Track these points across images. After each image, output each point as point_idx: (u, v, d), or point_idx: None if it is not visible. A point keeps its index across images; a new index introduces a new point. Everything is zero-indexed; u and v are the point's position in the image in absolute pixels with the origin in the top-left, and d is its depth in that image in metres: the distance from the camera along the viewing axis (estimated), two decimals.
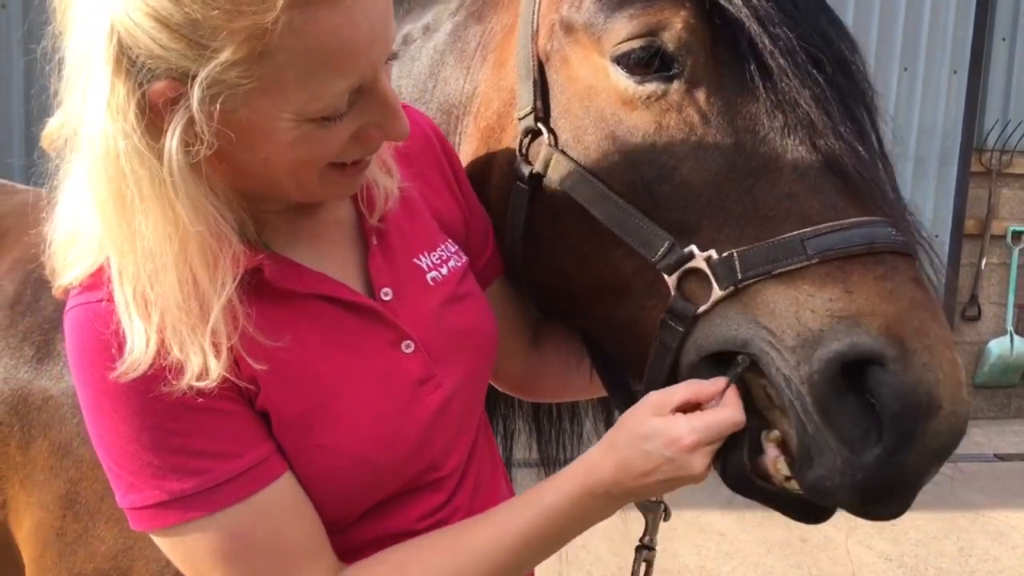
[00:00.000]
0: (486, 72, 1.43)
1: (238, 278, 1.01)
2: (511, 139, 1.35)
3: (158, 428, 1.00)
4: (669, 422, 1.08)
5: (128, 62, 0.91)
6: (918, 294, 1.08)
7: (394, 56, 1.04)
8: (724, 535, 4.63)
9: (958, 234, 6.70)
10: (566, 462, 1.80)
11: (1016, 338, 6.87)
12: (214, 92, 0.91)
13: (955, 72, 6.59)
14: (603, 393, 1.51)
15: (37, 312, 1.46)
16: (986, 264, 6.90)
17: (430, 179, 1.33)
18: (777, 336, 1.08)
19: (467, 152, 1.45)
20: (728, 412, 1.09)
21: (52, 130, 1.02)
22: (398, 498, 1.17)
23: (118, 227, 0.97)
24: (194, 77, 0.90)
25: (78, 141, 0.98)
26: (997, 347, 6.86)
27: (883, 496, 1.06)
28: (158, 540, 1.06)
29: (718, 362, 1.15)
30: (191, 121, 0.92)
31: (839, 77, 1.18)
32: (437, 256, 1.27)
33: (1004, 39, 6.70)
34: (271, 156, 1.00)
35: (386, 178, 1.21)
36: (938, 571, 4.43)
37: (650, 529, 1.33)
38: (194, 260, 0.97)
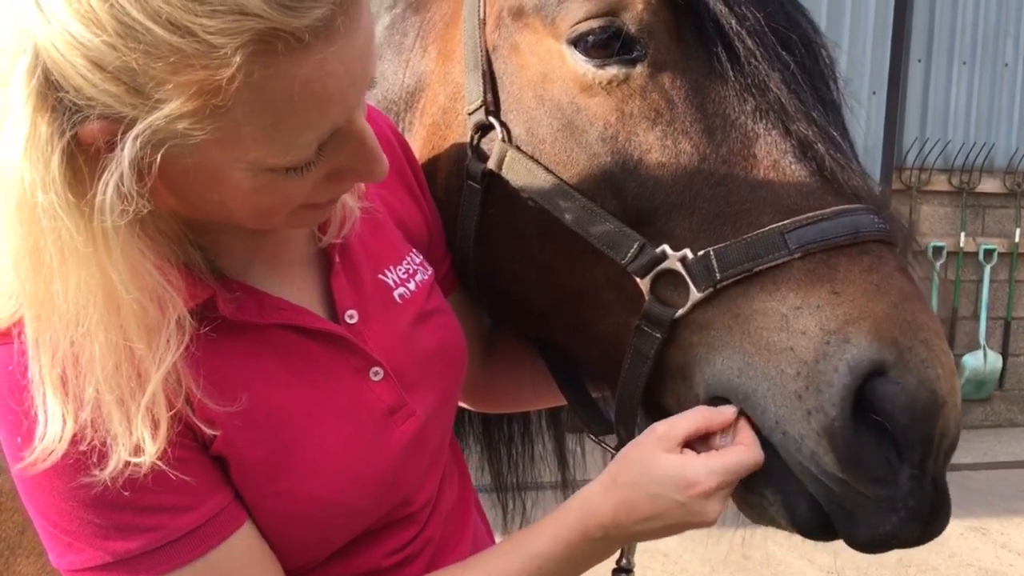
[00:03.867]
0: (429, 64, 1.35)
1: (183, 345, 0.88)
2: (458, 135, 1.28)
3: (100, 483, 0.87)
4: (683, 463, 0.99)
5: (55, 99, 0.77)
6: (906, 285, 1.03)
7: (372, 86, 0.92)
8: (668, 555, 4.60)
9: None
10: (517, 485, 1.74)
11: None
12: (157, 140, 0.78)
13: (874, 93, 6.78)
14: (557, 403, 1.44)
15: None
16: None
17: (391, 184, 1.22)
18: (778, 383, 1.00)
19: (413, 150, 1.35)
20: (747, 453, 1.00)
21: None
22: (366, 536, 1.07)
23: (34, 287, 0.82)
24: (131, 124, 0.77)
25: None
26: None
27: (933, 512, 1.00)
28: None
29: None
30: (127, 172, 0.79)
31: (807, 60, 1.14)
32: (404, 270, 1.16)
33: (920, 60, 6.92)
34: (227, 200, 0.88)
35: (348, 195, 1.08)
36: None
37: (627, 551, 1.24)
38: (128, 328, 0.84)
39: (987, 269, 7.06)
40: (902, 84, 6.88)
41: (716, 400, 1.07)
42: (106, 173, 0.79)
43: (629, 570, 1.20)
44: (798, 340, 1.00)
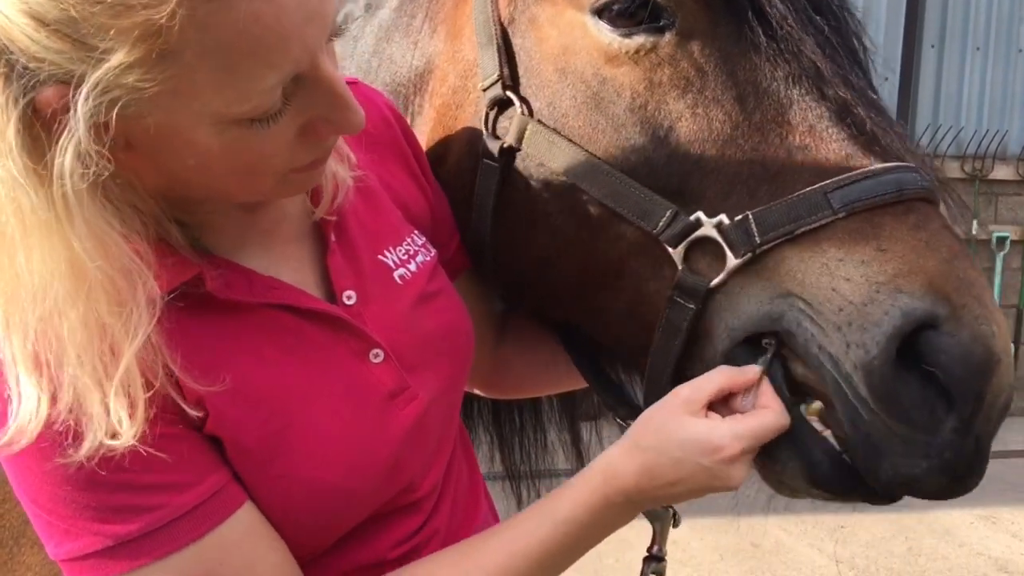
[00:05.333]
0: (438, 44, 1.31)
1: (155, 319, 0.85)
2: (471, 115, 1.24)
3: (88, 464, 0.84)
4: (710, 428, 0.97)
5: (6, 65, 0.75)
6: (954, 243, 1.00)
7: (338, 32, 0.89)
8: (677, 543, 4.60)
9: None
10: (531, 473, 1.73)
11: None
12: (111, 98, 0.75)
13: (886, 79, 6.72)
14: (572, 387, 1.42)
15: None
16: None
17: (390, 164, 1.20)
18: (816, 308, 0.98)
19: (423, 133, 1.33)
20: (772, 417, 0.98)
21: None
22: (369, 525, 1.04)
23: None
24: (81, 80, 0.75)
25: None
26: None
27: (967, 470, 0.97)
28: None
29: (750, 346, 1.05)
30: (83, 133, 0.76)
31: (840, 24, 1.12)
32: (404, 251, 1.14)
33: (933, 46, 6.87)
34: (202, 163, 0.85)
35: (339, 166, 1.06)
36: (889, 571, 4.43)
37: (658, 538, 1.21)
38: (97, 301, 0.81)
39: (999, 257, 7.02)
40: (915, 70, 6.83)
41: (742, 345, 1.04)
42: (63, 137, 0.76)
43: (661, 558, 1.17)
44: (842, 284, 0.98)
